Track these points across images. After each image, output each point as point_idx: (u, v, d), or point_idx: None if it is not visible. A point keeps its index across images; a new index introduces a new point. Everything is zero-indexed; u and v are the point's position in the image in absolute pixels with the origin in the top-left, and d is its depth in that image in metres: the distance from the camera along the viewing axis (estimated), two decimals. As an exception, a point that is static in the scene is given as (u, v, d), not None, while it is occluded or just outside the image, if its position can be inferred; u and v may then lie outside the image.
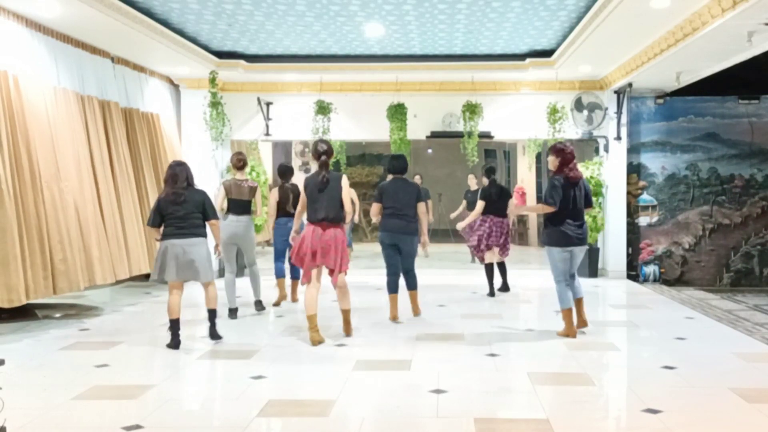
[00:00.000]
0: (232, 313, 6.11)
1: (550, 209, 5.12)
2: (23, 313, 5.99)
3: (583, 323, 5.42)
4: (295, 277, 6.91)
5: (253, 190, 6.20)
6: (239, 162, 6.18)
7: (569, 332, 5.27)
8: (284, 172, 6.80)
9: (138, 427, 3.28)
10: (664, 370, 4.34)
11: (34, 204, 5.60)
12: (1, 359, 3.01)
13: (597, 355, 4.87)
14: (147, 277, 8.15)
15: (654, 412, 3.48)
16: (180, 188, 4.95)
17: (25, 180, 5.57)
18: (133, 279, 7.96)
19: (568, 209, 5.14)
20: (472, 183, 10.20)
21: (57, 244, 5.78)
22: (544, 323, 5.88)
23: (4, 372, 3.53)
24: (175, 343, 4.91)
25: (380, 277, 9.10)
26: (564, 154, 5.17)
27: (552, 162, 5.25)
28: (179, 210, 4.91)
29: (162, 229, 4.95)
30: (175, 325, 4.93)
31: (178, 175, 4.97)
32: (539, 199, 6.68)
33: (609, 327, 5.87)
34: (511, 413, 3.59)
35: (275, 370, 4.39)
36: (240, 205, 6.08)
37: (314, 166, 5.21)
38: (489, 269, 7.35)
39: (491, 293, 7.35)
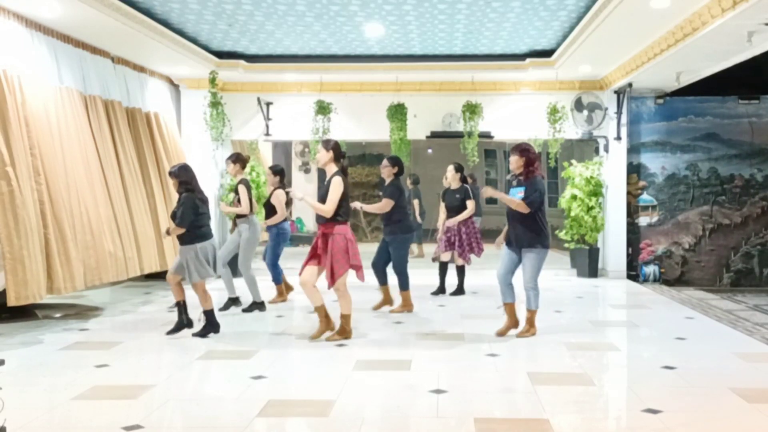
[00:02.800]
0: (236, 302, 6.33)
1: (524, 210, 4.96)
2: (23, 313, 5.99)
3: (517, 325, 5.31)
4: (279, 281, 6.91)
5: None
6: (248, 161, 6.41)
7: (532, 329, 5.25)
8: (283, 172, 6.79)
9: (138, 427, 3.28)
10: (664, 370, 4.34)
11: (40, 202, 5.61)
12: (1, 359, 3.01)
13: (597, 355, 4.88)
14: (147, 276, 8.15)
15: (654, 412, 3.48)
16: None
17: (34, 179, 5.58)
18: (132, 279, 7.95)
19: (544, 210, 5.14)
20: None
21: (70, 242, 5.81)
22: (544, 323, 5.87)
23: (4, 372, 3.53)
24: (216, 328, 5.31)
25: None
26: (529, 154, 5.11)
27: (516, 162, 5.12)
28: (208, 210, 5.28)
29: (193, 229, 5.13)
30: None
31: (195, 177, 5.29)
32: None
33: (609, 327, 5.87)
34: (511, 413, 3.59)
35: (275, 370, 4.39)
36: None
37: (327, 168, 5.15)
38: (444, 267, 7.32)
39: (442, 291, 7.32)
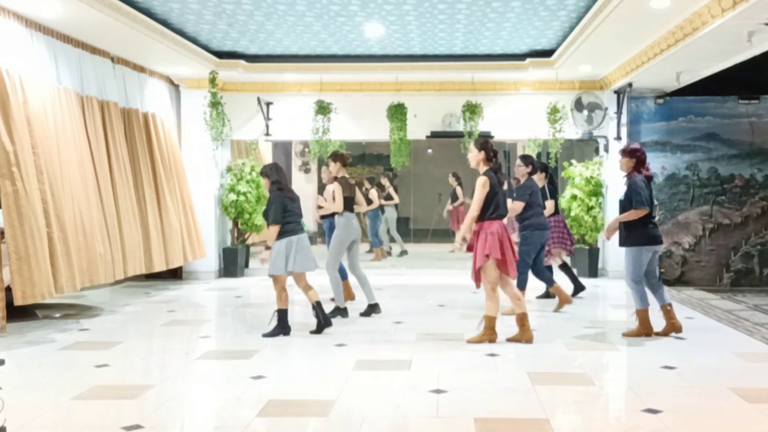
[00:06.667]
0: (344, 312, 6.04)
1: (643, 212, 5.09)
2: (23, 313, 5.98)
3: (678, 327, 5.31)
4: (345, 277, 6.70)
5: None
6: (348, 159, 6.23)
7: (648, 330, 5.25)
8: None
9: (138, 427, 3.28)
10: (664, 370, 4.33)
11: (43, 201, 5.61)
12: (1, 359, 3.01)
13: (597, 355, 4.88)
14: (147, 276, 8.14)
15: (654, 412, 3.48)
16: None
17: (38, 177, 5.59)
18: (132, 279, 7.95)
19: (651, 208, 5.20)
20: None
21: (71, 242, 5.80)
22: (544, 323, 5.87)
23: (4, 372, 3.53)
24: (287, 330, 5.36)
25: (379, 277, 9.11)
26: (638, 154, 5.21)
27: (626, 164, 5.23)
28: (297, 208, 5.37)
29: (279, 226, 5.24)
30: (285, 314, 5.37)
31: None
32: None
33: (609, 327, 5.85)
34: (511, 413, 3.58)
35: (275, 370, 4.39)
36: (352, 203, 6.12)
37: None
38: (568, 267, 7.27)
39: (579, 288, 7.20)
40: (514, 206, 6.16)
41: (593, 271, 8.88)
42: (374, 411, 3.56)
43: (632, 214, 5.11)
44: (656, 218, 5.20)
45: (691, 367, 4.39)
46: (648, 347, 5.07)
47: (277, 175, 5.37)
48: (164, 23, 6.77)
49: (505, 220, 5.17)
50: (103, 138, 6.93)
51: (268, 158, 12.36)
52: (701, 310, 6.68)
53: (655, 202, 5.43)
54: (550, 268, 6.86)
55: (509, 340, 5.07)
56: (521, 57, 8.20)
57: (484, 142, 5.14)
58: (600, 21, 6.03)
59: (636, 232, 5.14)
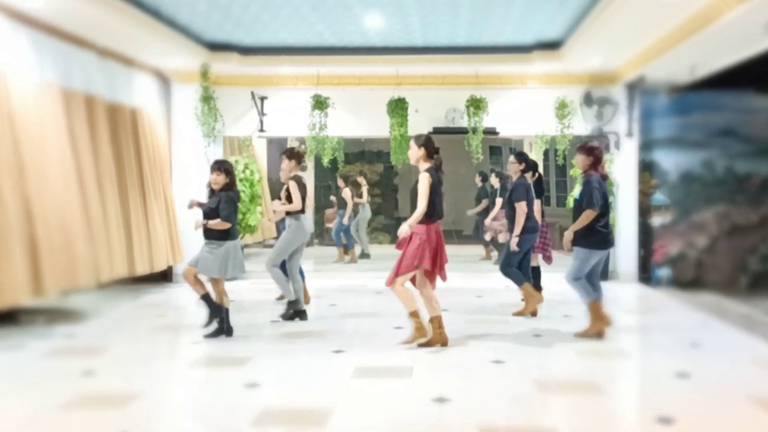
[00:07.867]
0: (303, 314, 6.01)
1: (593, 214, 5.06)
2: (7, 319, 5.81)
3: (606, 324, 5.36)
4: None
5: None
6: (304, 156, 6.14)
7: (604, 321, 5.24)
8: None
9: (125, 437, 3.17)
10: (677, 377, 4.22)
11: (25, 199, 5.44)
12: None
13: (607, 362, 4.75)
14: (135, 279, 7.89)
15: (667, 421, 3.35)
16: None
17: (19, 175, 5.41)
18: (119, 282, 7.73)
19: (606, 209, 5.16)
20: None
21: (47, 245, 5.61)
22: (552, 328, 5.71)
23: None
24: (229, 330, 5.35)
25: (379, 280, 8.91)
26: (595, 152, 5.21)
27: (582, 161, 5.22)
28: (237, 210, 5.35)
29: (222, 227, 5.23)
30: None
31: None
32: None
33: (620, 333, 5.67)
34: (518, 422, 3.48)
35: (270, 377, 4.28)
36: (303, 203, 6.02)
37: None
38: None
39: None
40: (521, 208, 5.97)
41: (603, 274, 8.57)
42: (374, 420, 3.46)
43: (584, 219, 5.07)
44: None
45: (706, 374, 4.28)
46: (661, 354, 4.94)
47: (232, 174, 5.34)
48: (155, 13, 6.58)
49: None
50: (88, 134, 6.69)
51: (262, 155, 12.13)
52: (716, 314, 6.50)
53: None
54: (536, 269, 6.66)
55: (421, 345, 4.88)
56: (528, 49, 7.96)
57: (426, 138, 4.96)
58: (612, 10, 5.85)
59: (587, 234, 5.10)
